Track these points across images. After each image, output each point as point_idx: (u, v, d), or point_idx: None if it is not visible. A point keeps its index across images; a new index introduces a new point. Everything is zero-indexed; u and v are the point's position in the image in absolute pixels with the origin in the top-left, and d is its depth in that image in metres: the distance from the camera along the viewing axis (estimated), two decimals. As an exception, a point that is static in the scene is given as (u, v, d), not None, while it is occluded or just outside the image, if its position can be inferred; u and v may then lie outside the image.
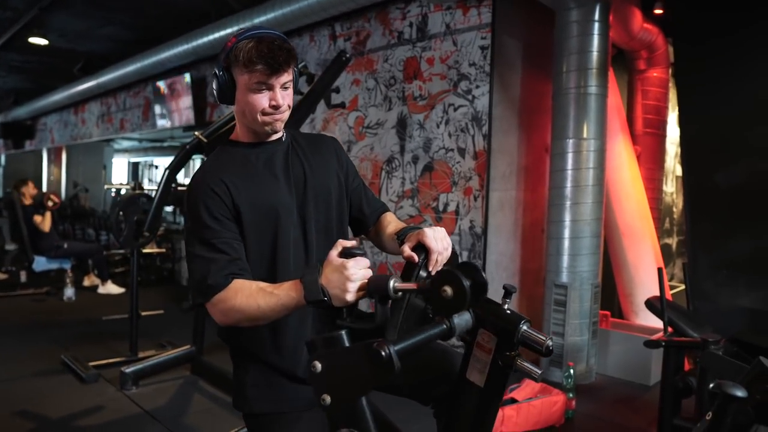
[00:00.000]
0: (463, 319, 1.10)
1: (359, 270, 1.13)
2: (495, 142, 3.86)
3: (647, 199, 4.39)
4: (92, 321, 4.88)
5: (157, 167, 14.87)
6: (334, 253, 1.17)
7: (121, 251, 6.85)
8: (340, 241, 1.19)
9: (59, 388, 3.44)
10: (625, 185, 4.20)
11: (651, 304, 2.97)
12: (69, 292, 5.76)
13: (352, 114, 4.71)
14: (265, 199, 1.34)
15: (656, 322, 4.01)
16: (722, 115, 3.77)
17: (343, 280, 1.11)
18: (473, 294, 1.08)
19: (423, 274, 1.24)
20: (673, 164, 5.97)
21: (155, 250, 6.64)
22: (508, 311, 1.14)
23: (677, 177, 6.08)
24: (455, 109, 3.99)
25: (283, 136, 1.44)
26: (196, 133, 3.43)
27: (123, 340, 4.03)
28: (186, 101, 6.50)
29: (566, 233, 3.68)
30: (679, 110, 4.05)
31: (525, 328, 1.12)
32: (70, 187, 11.13)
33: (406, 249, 1.25)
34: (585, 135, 3.64)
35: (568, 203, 3.67)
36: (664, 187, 5.46)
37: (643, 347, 3.68)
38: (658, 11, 4.26)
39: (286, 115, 1.37)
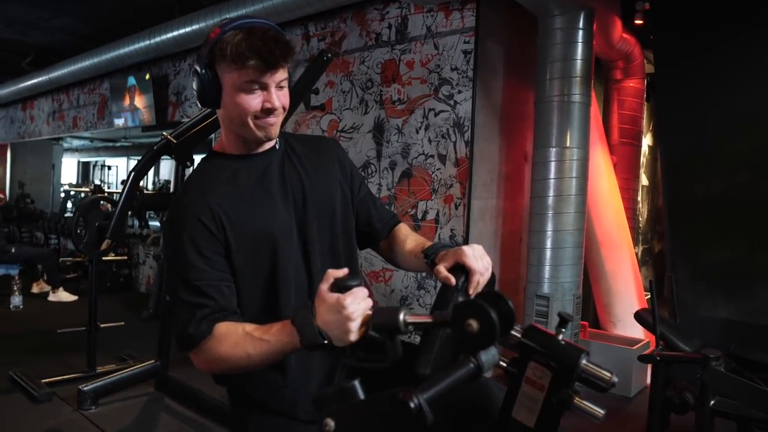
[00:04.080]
0: (490, 355, 0.97)
1: (359, 305, 0.99)
2: (477, 149, 3.76)
3: (623, 209, 4.38)
4: (43, 332, 4.54)
5: (110, 168, 14.31)
6: (324, 287, 1.01)
7: (72, 258, 6.47)
8: (330, 271, 1.03)
9: (8, 408, 3.15)
10: (604, 195, 4.17)
11: (641, 317, 2.92)
12: (16, 300, 5.38)
13: (326, 117, 4.55)
14: (260, 225, 1.17)
15: (634, 332, 3.99)
16: (700, 129, 3.79)
17: (343, 320, 0.97)
18: (502, 327, 0.94)
19: (461, 299, 1.10)
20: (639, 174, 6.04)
21: (114, 257, 6.26)
22: (564, 342, 1.02)
23: (643, 186, 6.15)
24: (436, 114, 3.88)
25: (276, 143, 1.26)
26: (165, 133, 3.21)
27: (79, 354, 3.74)
28: (146, 100, 6.19)
29: (548, 243, 3.61)
30: (658, 124, 4.06)
31: (584, 362, 1.00)
32: (16, 187, 10.53)
33: (443, 270, 1.11)
34: (568, 144, 3.58)
35: (550, 213, 3.60)
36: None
37: (623, 358, 3.68)
38: (638, 22, 4.26)
39: (281, 118, 1.20)
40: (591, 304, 4.41)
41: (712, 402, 2.25)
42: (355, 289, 1.00)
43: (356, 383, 0.95)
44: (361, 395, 0.94)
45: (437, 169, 3.87)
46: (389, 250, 1.39)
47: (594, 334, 4.04)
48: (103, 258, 5.76)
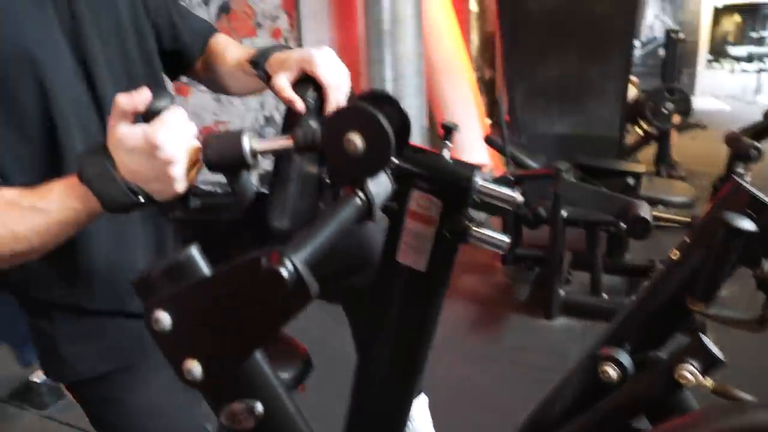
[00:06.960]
0: (381, 185, 0.70)
1: (178, 136, 0.65)
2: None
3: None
4: None
5: None
6: (115, 123, 0.65)
7: None
8: (120, 97, 0.65)
9: None
10: (438, 18, 3.95)
11: (491, 140, 2.88)
12: None
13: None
14: (8, 41, 0.74)
15: (475, 158, 4.04)
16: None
17: (160, 166, 0.64)
18: (397, 140, 0.65)
19: (315, 125, 0.78)
20: (469, -2, 5.87)
21: None
22: (452, 160, 0.79)
23: (473, 12, 6.02)
24: (248, -69, 3.27)
25: None
26: None
27: None
28: None
29: (388, 74, 3.39)
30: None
31: (481, 180, 0.78)
32: None
33: (284, 86, 0.78)
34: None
35: (387, 40, 3.33)
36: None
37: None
38: None
39: None
40: (435, 134, 4.37)
41: (564, 212, 2.30)
42: (165, 114, 0.65)
43: (193, 250, 0.58)
44: (205, 268, 0.58)
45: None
46: (206, 69, 1.02)
47: (440, 163, 4.03)
48: None
